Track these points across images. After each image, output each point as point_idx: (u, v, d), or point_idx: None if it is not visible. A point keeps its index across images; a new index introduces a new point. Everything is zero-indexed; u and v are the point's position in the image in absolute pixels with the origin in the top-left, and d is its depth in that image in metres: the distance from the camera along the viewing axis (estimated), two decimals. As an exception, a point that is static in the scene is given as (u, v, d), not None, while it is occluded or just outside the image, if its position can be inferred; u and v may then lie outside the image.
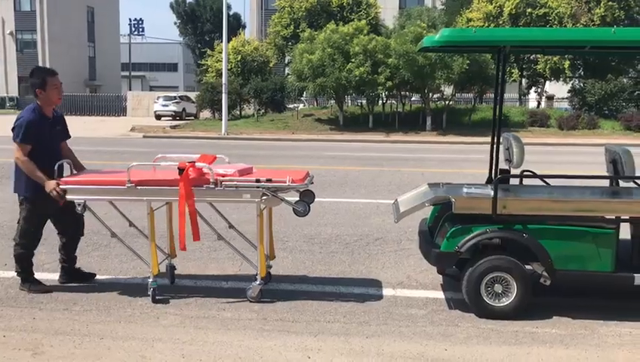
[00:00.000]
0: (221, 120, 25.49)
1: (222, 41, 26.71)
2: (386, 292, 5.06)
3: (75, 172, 5.11)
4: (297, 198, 4.72)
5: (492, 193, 4.47)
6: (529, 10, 28.67)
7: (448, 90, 27.67)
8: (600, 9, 27.02)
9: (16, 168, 4.82)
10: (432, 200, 4.81)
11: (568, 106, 28.91)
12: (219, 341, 4.01)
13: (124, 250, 6.12)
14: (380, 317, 4.48)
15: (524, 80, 31.95)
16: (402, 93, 27.66)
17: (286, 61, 34.77)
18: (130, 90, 53.32)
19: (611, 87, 26.65)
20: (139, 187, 4.60)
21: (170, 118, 36.03)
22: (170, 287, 5.04)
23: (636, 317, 4.49)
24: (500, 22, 28.96)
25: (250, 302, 4.71)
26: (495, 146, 5.06)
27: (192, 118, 36.28)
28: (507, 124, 24.62)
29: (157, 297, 4.74)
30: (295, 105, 31.59)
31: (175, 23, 62.42)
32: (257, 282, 4.77)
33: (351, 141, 22.63)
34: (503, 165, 5.14)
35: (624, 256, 4.53)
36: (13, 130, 4.74)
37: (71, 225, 5.07)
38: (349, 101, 32.41)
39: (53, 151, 4.89)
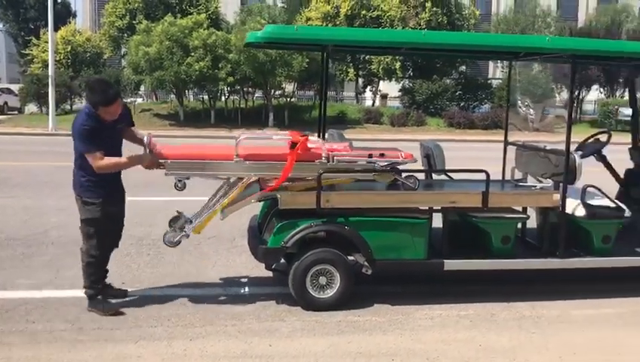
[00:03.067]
0: (48, 115, 23.55)
1: (48, 30, 24.66)
2: (215, 291, 4.97)
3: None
4: None
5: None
6: (364, 12, 30.03)
7: (290, 87, 28.11)
8: (425, 14, 29.10)
9: (80, 173, 4.34)
10: (258, 197, 4.81)
11: (400, 105, 30.71)
12: (24, 356, 3.65)
13: None
14: (206, 317, 4.38)
15: (360, 79, 33.43)
16: (244, 89, 27.57)
17: (122, 53, 33.02)
18: (-60, 80, 47.33)
19: (437, 87, 28.79)
20: (248, 162, 4.39)
21: (-10, 113, 32.56)
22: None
23: (445, 299, 4.85)
24: (337, 22, 30.00)
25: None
26: (321, 142, 5.16)
27: (16, 112, 33.08)
28: (345, 121, 25.61)
29: None
30: (132, 99, 30.07)
31: (-6, 8, 56.45)
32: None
33: (192, 137, 22.03)
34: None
35: (436, 244, 4.89)
36: (74, 138, 4.32)
37: (118, 234, 4.61)
38: (191, 96, 31.60)
39: (114, 149, 4.42)
